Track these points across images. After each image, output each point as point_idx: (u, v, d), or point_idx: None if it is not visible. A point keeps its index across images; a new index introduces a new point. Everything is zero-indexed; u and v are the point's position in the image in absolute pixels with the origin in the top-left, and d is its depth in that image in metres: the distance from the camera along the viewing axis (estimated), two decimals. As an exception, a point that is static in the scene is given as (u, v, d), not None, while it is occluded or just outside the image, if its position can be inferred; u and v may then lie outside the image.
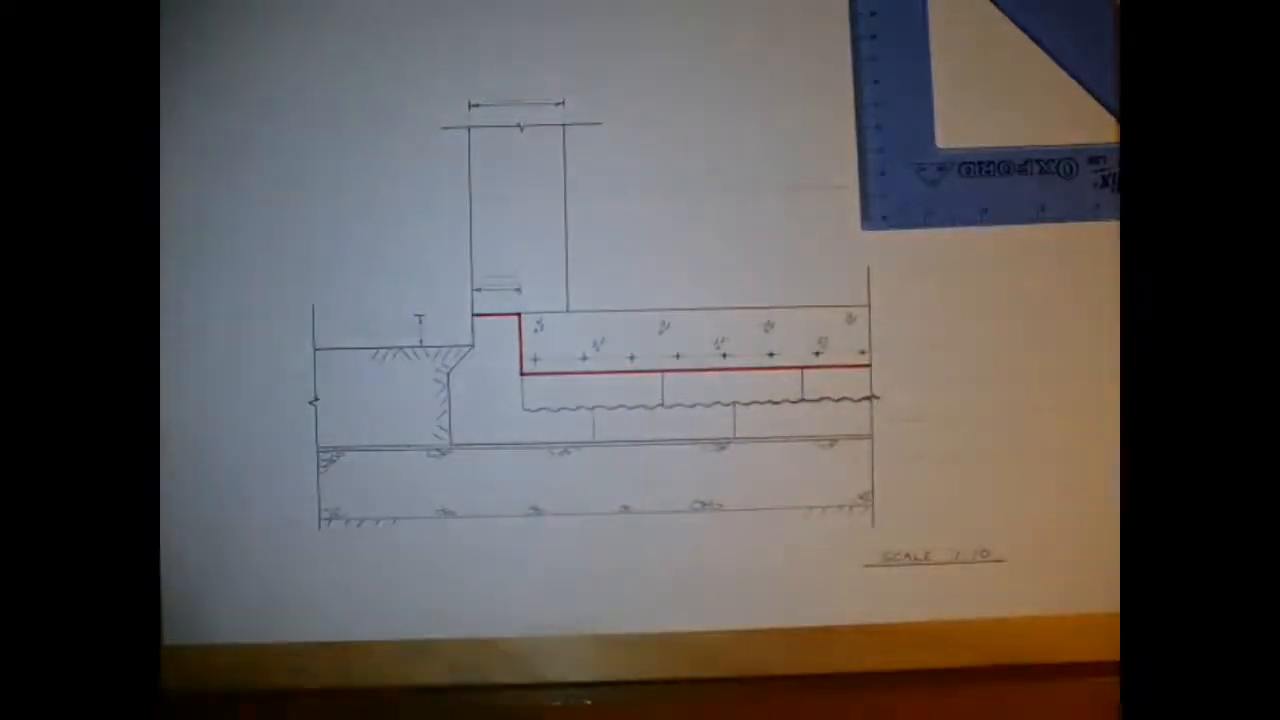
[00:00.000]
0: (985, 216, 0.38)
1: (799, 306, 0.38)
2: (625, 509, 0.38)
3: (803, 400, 0.38)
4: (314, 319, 0.38)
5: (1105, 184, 0.38)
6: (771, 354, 0.38)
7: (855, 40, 0.38)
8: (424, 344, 0.38)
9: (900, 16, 0.38)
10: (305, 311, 0.38)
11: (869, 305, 0.38)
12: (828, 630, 0.38)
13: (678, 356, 0.38)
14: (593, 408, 0.38)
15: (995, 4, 0.38)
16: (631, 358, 0.38)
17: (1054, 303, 0.38)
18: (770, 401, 0.38)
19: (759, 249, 0.38)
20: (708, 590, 0.38)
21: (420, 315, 0.38)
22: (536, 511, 0.38)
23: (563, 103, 0.38)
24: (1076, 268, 0.38)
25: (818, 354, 0.38)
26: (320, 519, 0.38)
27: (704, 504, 0.38)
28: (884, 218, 0.38)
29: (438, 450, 0.38)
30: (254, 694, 0.38)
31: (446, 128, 0.38)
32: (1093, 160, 0.38)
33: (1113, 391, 0.38)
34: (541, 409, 0.38)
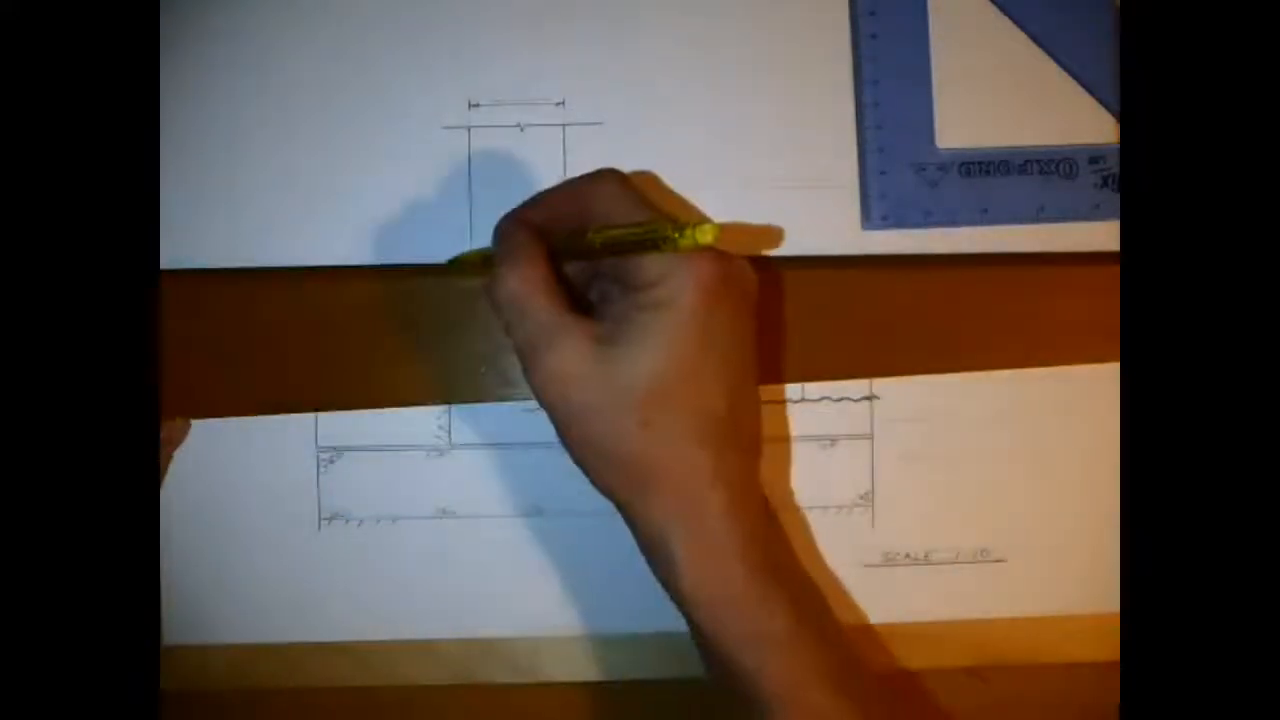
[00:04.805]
0: (985, 216, 0.38)
1: (799, 306, 0.38)
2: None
3: (803, 400, 0.38)
4: (314, 319, 0.38)
5: (1105, 184, 0.38)
6: (771, 354, 0.38)
7: (855, 40, 0.38)
8: (424, 344, 0.38)
9: (900, 17, 0.38)
10: (305, 311, 0.38)
11: (869, 305, 0.38)
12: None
13: (678, 356, 0.38)
14: (593, 408, 0.38)
15: (995, 4, 0.38)
16: (631, 358, 0.38)
17: (1054, 303, 0.38)
18: (770, 401, 0.38)
19: (759, 249, 0.38)
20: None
21: (420, 315, 0.38)
22: (536, 511, 0.38)
23: (563, 103, 0.38)
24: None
25: (818, 354, 0.38)
26: (320, 519, 0.38)
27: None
28: (884, 218, 0.38)
29: (437, 450, 0.38)
30: (254, 694, 0.38)
31: (446, 128, 0.38)
32: (1093, 160, 0.38)
33: (1113, 392, 0.38)
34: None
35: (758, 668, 0.29)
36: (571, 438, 0.30)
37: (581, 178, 0.32)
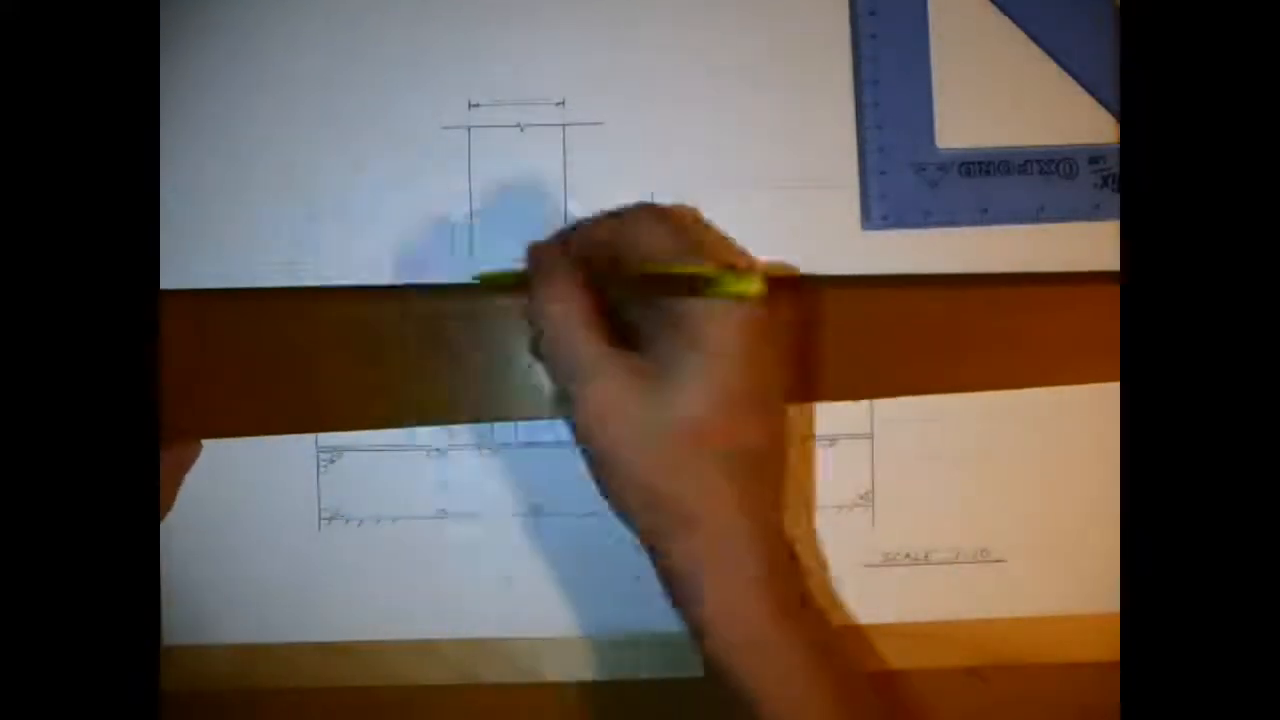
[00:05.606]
0: (985, 216, 0.38)
1: (799, 306, 0.38)
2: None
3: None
4: (314, 319, 0.38)
5: (1105, 184, 0.38)
6: (771, 354, 0.38)
7: (855, 40, 0.38)
8: (424, 344, 0.38)
9: (900, 17, 0.38)
10: (305, 311, 0.38)
11: (869, 305, 0.38)
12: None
13: (678, 356, 0.38)
14: (593, 408, 0.38)
15: (995, 4, 0.38)
16: (631, 358, 0.38)
17: (1054, 303, 0.38)
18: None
19: (759, 249, 0.38)
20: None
21: (420, 315, 0.38)
22: (536, 511, 0.38)
23: (563, 103, 0.38)
24: (1076, 268, 0.38)
25: (818, 354, 0.38)
26: (320, 519, 0.38)
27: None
28: (884, 218, 0.38)
29: (437, 450, 0.38)
30: (254, 694, 0.38)
31: (446, 128, 0.38)
32: (1093, 160, 0.38)
33: (1112, 391, 0.38)
34: (541, 409, 0.38)
35: (773, 709, 0.29)
36: (605, 471, 0.30)
37: (621, 210, 0.32)
